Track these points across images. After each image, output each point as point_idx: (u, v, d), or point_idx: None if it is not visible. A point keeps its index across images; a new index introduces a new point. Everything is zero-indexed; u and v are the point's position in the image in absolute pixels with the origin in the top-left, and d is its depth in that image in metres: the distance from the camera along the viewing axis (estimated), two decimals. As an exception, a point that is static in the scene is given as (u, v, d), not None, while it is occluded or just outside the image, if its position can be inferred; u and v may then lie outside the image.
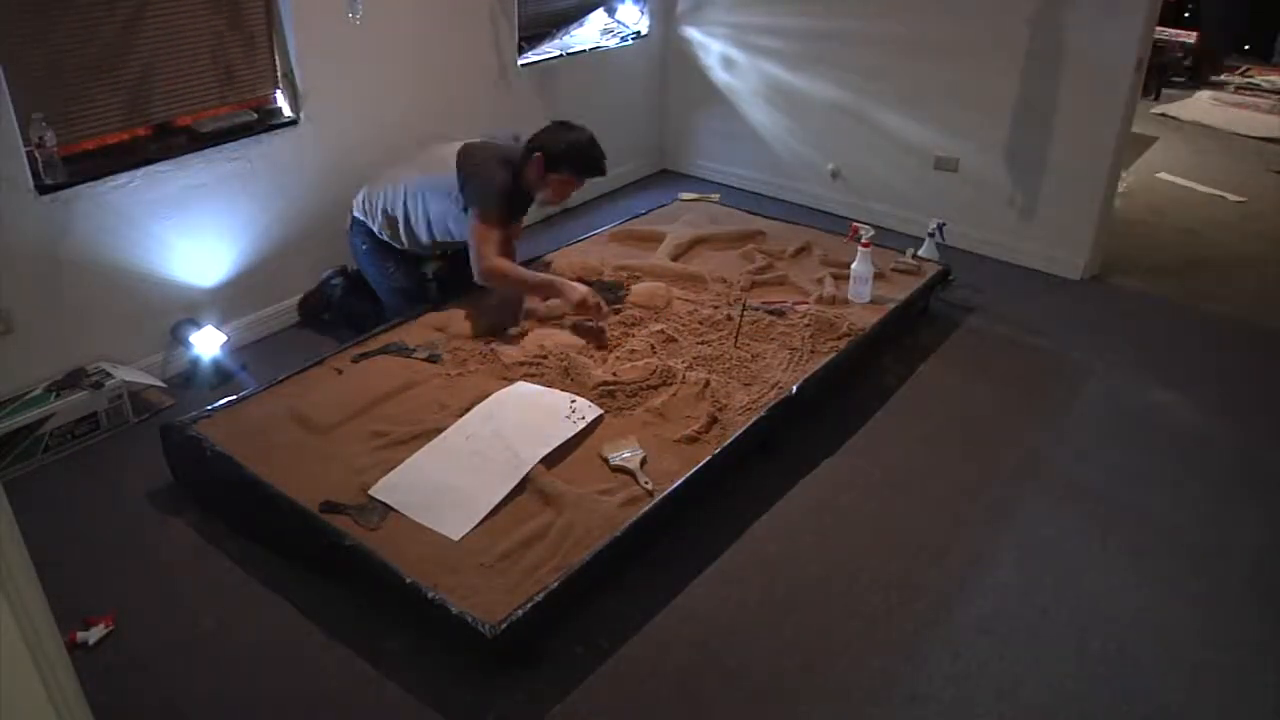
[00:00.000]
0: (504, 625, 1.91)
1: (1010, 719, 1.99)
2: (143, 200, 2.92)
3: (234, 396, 2.68)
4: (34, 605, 1.14)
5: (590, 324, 2.99)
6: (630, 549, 2.21)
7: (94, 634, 2.09)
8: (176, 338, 3.10)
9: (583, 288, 2.98)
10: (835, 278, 3.40)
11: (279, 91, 3.31)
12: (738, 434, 2.53)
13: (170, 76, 2.98)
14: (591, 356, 2.88)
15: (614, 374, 2.76)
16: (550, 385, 2.73)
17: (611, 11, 4.70)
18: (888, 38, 4.09)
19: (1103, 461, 2.81)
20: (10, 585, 1.07)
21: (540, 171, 2.99)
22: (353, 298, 3.38)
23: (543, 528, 2.20)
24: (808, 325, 3.07)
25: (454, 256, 3.28)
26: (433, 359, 2.87)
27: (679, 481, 2.34)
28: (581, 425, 2.53)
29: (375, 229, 3.16)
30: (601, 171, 3.12)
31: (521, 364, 2.83)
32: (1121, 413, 3.05)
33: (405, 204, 3.08)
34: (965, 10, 3.85)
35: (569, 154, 3.00)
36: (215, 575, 2.30)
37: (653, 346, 2.92)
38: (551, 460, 2.41)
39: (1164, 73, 6.76)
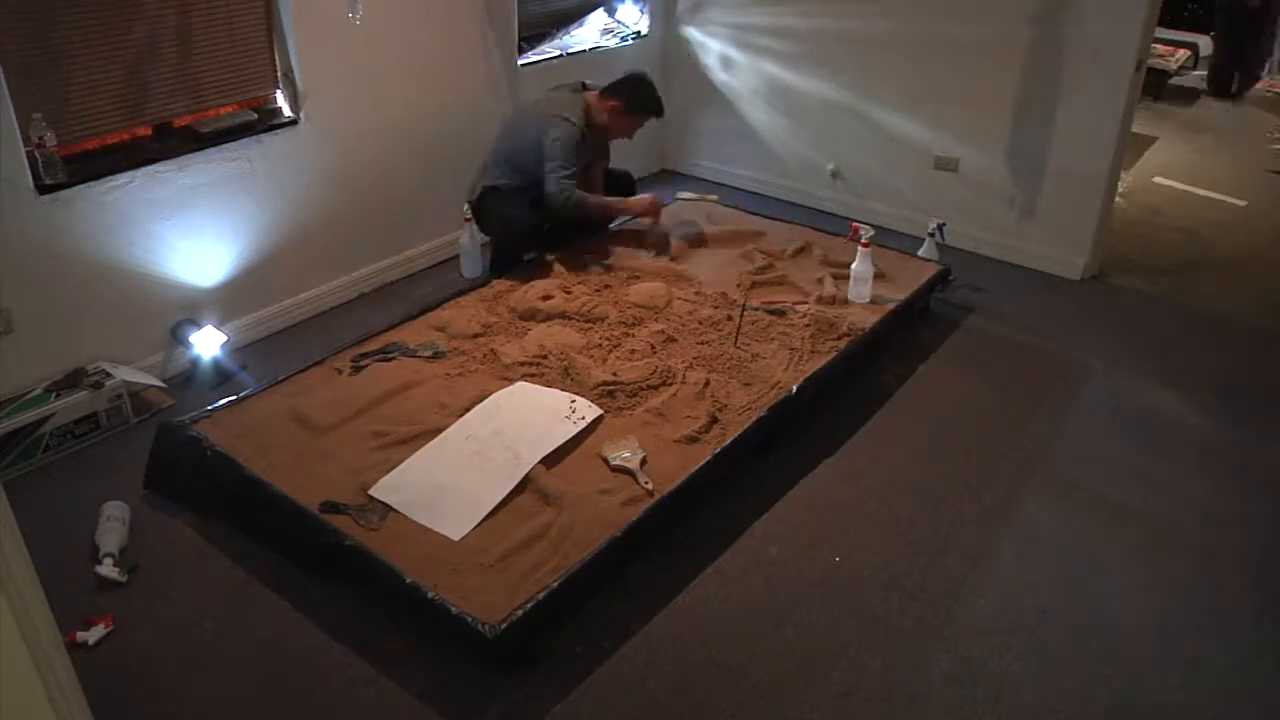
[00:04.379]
0: (504, 625, 1.91)
1: (1010, 719, 1.99)
2: (143, 200, 2.92)
3: (234, 396, 2.68)
4: (34, 605, 1.14)
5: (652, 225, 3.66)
6: (630, 549, 2.21)
7: (94, 634, 2.09)
8: (176, 338, 3.10)
9: (646, 196, 3.64)
10: (835, 278, 3.40)
11: (279, 91, 3.31)
12: (738, 434, 2.53)
13: (170, 76, 2.98)
14: (591, 356, 2.88)
15: (614, 374, 2.76)
16: (550, 385, 2.73)
17: (611, 11, 4.70)
18: (888, 38, 4.09)
19: (1102, 461, 2.81)
20: (10, 585, 1.07)
21: (618, 115, 3.53)
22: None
23: (543, 528, 2.20)
24: (808, 325, 3.07)
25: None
26: (438, 356, 2.88)
27: (679, 481, 2.35)
28: (581, 425, 2.53)
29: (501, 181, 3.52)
30: (660, 112, 3.65)
31: (521, 364, 2.83)
32: (1121, 413, 3.05)
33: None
34: (965, 10, 3.85)
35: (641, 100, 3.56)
36: (215, 575, 2.30)
37: (653, 346, 2.92)
38: (551, 460, 2.41)
39: (1165, 77, 6.74)
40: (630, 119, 3.56)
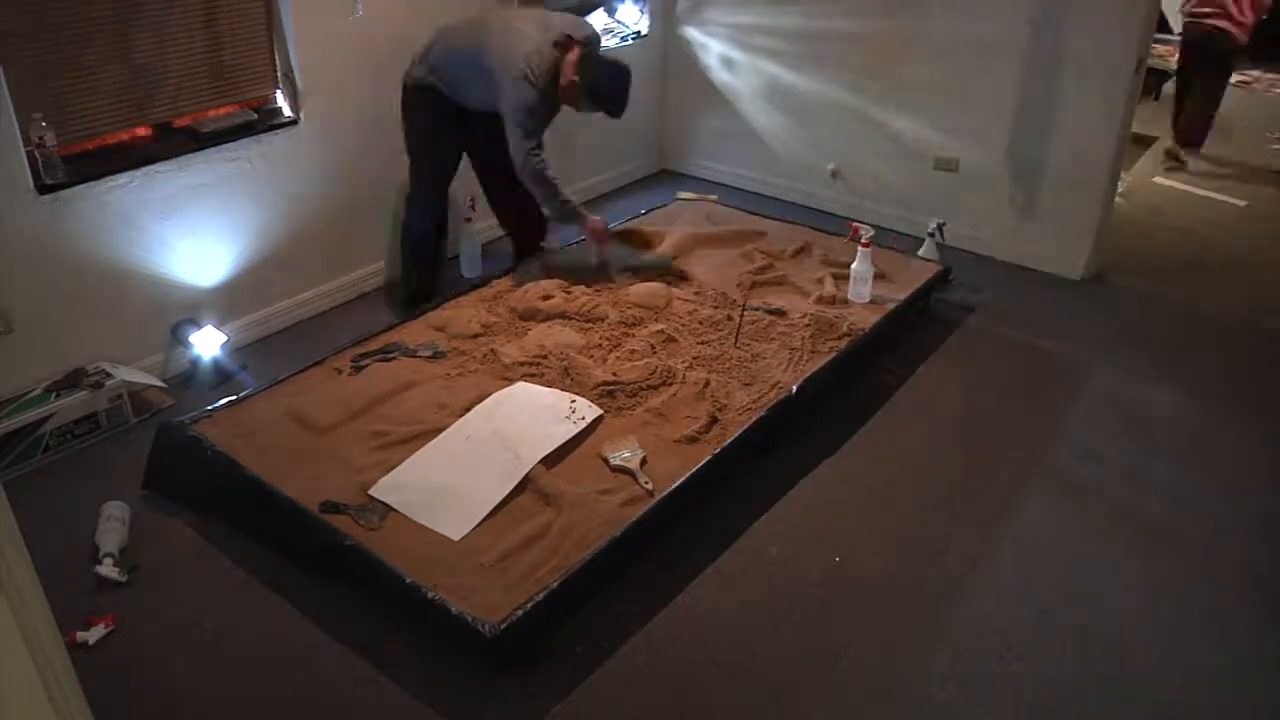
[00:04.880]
0: (504, 625, 1.91)
1: (1010, 719, 1.99)
2: (143, 200, 2.92)
3: (234, 396, 2.68)
4: (34, 605, 1.14)
5: (596, 257, 3.37)
6: (630, 549, 2.21)
7: (94, 634, 2.09)
8: (176, 338, 3.10)
9: (596, 219, 3.33)
10: (835, 278, 3.40)
11: (279, 91, 3.31)
12: (738, 434, 2.53)
13: (170, 76, 2.98)
14: (591, 356, 2.88)
15: (614, 374, 2.76)
16: (550, 385, 2.73)
17: (611, 11, 4.71)
18: (888, 38, 4.09)
19: (1102, 461, 2.81)
20: (10, 585, 1.07)
21: (574, 92, 3.15)
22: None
23: (543, 528, 2.20)
24: (808, 325, 3.07)
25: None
26: (438, 356, 2.88)
27: (679, 481, 2.35)
28: (581, 425, 2.53)
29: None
30: (618, 113, 3.28)
31: (521, 364, 2.83)
32: (1121, 413, 3.05)
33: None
34: (966, 10, 3.85)
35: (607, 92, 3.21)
36: (215, 575, 2.30)
37: (653, 346, 2.92)
38: (551, 460, 2.41)
39: (1165, 77, 6.73)
40: (585, 100, 3.20)
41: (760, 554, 2.41)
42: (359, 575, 2.15)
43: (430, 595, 1.98)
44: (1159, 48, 6.51)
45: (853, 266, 3.28)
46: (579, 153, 4.53)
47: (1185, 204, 4.86)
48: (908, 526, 2.52)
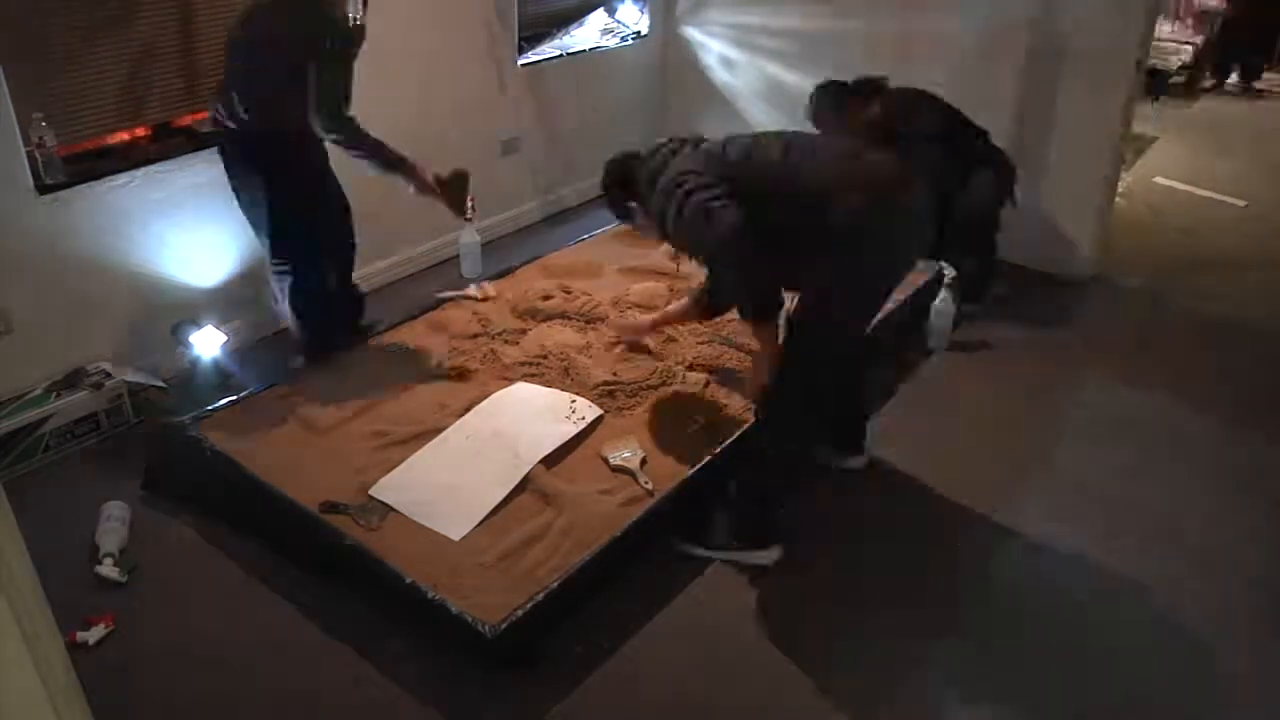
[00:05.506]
0: (504, 625, 1.91)
1: (1010, 719, 1.99)
2: (143, 200, 2.92)
3: (234, 396, 2.68)
4: (34, 605, 1.14)
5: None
6: (630, 549, 2.21)
7: (94, 634, 2.09)
8: (176, 338, 3.10)
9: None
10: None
11: (279, 91, 3.30)
12: (737, 434, 2.53)
13: (170, 76, 2.98)
14: (591, 356, 2.88)
15: (614, 374, 2.76)
16: (550, 385, 2.73)
17: (611, 11, 4.71)
18: (887, 38, 4.09)
19: (1103, 461, 2.81)
20: (10, 585, 1.07)
21: None
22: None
23: (543, 528, 2.20)
24: (808, 325, 3.06)
25: None
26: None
27: (679, 481, 2.34)
28: (581, 425, 2.53)
29: None
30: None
31: (521, 364, 2.83)
32: (1122, 412, 3.05)
33: None
34: (965, 10, 3.85)
35: None
36: (215, 575, 2.30)
37: (653, 347, 2.92)
38: (551, 460, 2.41)
39: (1165, 77, 6.73)
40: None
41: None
42: (359, 575, 2.15)
43: (430, 595, 1.98)
44: (1159, 47, 6.52)
45: (853, 266, 3.27)
46: (579, 153, 4.53)
47: (1185, 204, 4.86)
48: (908, 526, 2.51)
